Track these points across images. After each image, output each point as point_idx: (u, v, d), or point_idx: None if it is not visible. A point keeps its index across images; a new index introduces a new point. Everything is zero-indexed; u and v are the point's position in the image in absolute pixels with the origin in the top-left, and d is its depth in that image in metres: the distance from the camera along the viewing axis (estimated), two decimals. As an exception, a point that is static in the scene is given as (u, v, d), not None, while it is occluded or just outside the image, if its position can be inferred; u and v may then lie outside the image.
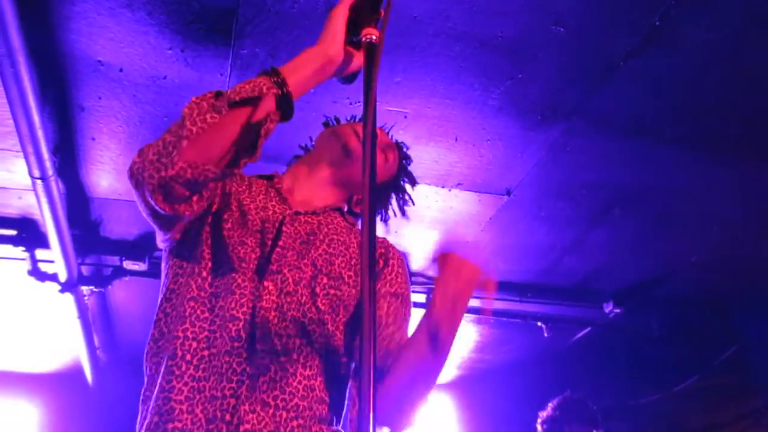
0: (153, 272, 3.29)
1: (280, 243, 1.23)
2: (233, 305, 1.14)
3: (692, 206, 3.09)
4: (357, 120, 1.53)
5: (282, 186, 1.37)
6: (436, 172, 2.81)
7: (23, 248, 3.04)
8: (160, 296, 1.24)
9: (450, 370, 4.90)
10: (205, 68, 2.22)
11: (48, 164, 2.41)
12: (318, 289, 1.22)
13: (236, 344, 1.11)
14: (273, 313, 1.16)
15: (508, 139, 2.64)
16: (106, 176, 2.76)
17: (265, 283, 1.18)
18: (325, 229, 1.31)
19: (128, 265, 3.24)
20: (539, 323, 4.00)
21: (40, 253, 3.08)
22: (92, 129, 2.48)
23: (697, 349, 4.33)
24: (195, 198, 1.11)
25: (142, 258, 3.23)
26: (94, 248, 3.20)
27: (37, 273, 3.14)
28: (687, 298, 4.00)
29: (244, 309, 1.14)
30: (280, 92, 1.09)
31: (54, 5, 1.96)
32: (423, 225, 3.17)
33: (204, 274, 1.19)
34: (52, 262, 3.02)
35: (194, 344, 1.11)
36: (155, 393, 1.12)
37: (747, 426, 4.35)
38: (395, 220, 1.55)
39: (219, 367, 1.10)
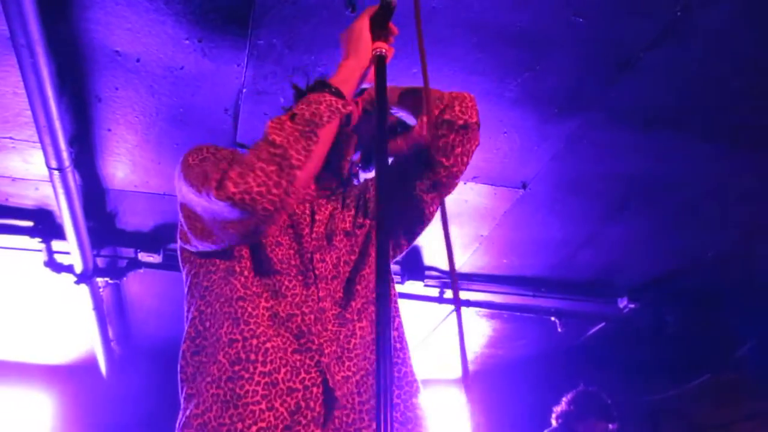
0: (167, 264, 3.31)
1: (314, 234, 1.27)
2: (288, 299, 1.17)
3: (711, 200, 3.06)
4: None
5: None
6: (451, 164, 2.79)
7: (40, 239, 3.06)
8: (192, 294, 1.24)
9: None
10: (222, 59, 2.22)
11: (65, 155, 2.41)
12: (355, 249, 1.29)
13: (302, 340, 1.14)
14: (326, 302, 1.19)
15: (525, 132, 2.62)
16: (122, 168, 2.77)
17: (310, 274, 1.21)
18: (348, 200, 1.37)
19: (143, 257, 3.25)
20: (553, 318, 3.98)
21: (56, 245, 3.10)
22: (109, 120, 2.49)
23: (712, 345, 4.29)
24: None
25: (156, 250, 3.24)
26: (110, 240, 3.21)
27: (53, 264, 3.16)
28: (703, 294, 3.96)
29: (297, 300, 1.17)
30: (350, 110, 1.20)
31: (72, -5, 1.96)
32: (437, 219, 3.15)
33: (246, 273, 1.19)
34: (68, 253, 3.04)
35: (254, 342, 1.12)
36: (227, 402, 1.09)
37: (761, 423, 4.31)
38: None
39: (290, 361, 1.12)
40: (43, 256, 3.12)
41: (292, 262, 1.22)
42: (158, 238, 3.25)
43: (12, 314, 3.91)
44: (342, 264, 1.26)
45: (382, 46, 1.19)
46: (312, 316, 1.17)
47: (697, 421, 4.72)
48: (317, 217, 1.29)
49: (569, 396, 3.30)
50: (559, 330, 4.00)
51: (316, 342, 1.14)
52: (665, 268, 3.70)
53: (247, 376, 1.09)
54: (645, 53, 2.23)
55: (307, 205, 1.31)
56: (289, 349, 1.13)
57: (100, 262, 3.29)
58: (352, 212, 1.34)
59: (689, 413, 4.76)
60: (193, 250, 1.26)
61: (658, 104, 2.48)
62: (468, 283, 3.68)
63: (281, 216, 1.10)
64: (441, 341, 4.32)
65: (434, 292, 3.66)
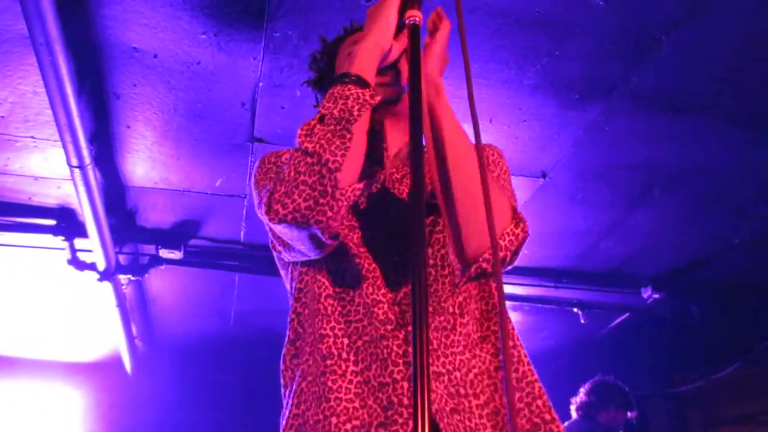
0: (188, 261, 3.33)
1: (392, 217, 1.21)
2: (371, 290, 1.12)
3: (736, 186, 2.99)
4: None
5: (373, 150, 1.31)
6: (470, 155, 2.76)
7: (63, 237, 3.09)
8: (291, 298, 1.23)
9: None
10: (238, 52, 2.21)
11: (85, 153, 2.43)
12: (436, 228, 1.19)
13: (388, 327, 1.08)
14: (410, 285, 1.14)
15: (545, 120, 2.58)
16: (142, 164, 2.79)
17: (393, 258, 1.16)
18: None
19: (164, 253, 3.27)
20: (575, 309, 3.94)
21: (78, 242, 3.13)
22: (127, 117, 2.50)
23: (738, 335, 4.22)
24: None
25: (177, 246, 3.26)
26: (131, 237, 3.24)
27: (76, 262, 3.19)
28: (728, 283, 3.89)
29: (383, 291, 1.12)
30: (378, 100, 1.11)
31: (89, -8, 1.97)
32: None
33: (331, 268, 1.17)
34: (90, 251, 3.07)
35: (346, 340, 1.10)
36: (320, 397, 1.07)
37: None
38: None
39: (379, 354, 1.07)
40: (66, 254, 3.16)
41: (373, 244, 1.18)
42: (179, 234, 3.27)
43: (38, 312, 3.97)
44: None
45: (416, 15, 1.06)
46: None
47: (723, 413, 4.65)
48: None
49: (587, 386, 3.29)
50: (582, 321, 3.96)
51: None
52: (690, 258, 3.63)
53: (339, 372, 1.07)
54: (668, 36, 2.18)
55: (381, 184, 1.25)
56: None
57: (122, 259, 3.32)
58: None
59: (715, 404, 4.68)
60: (288, 259, 1.23)
61: (683, 89, 2.42)
62: (489, 274, 3.65)
63: (337, 221, 1.05)
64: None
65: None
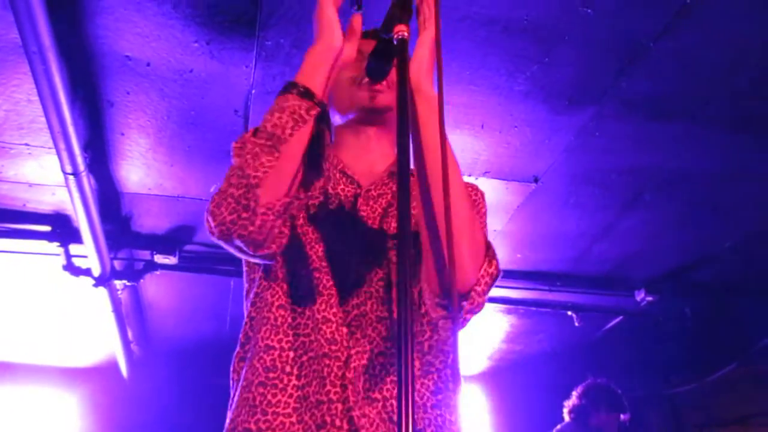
0: (183, 266, 3.34)
1: (360, 230, 1.18)
2: (323, 307, 1.11)
3: (727, 190, 3.01)
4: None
5: (343, 165, 1.28)
6: (462, 160, 2.78)
7: (58, 243, 3.10)
8: (246, 301, 1.22)
9: (480, 360, 4.87)
10: (231, 60, 2.23)
11: (79, 160, 2.45)
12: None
13: (333, 347, 1.08)
14: (365, 307, 1.11)
15: (536, 125, 2.60)
16: (136, 171, 2.80)
17: (351, 276, 1.14)
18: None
19: (159, 259, 3.29)
20: (570, 312, 3.96)
21: (74, 248, 3.14)
22: (121, 124, 2.52)
23: (733, 337, 4.24)
24: (284, 229, 1.08)
25: (172, 252, 3.27)
26: (126, 243, 3.25)
27: (71, 268, 3.20)
28: (721, 285, 3.91)
29: (334, 310, 1.11)
30: (319, 110, 1.07)
31: (82, 1, 1.98)
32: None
33: (288, 278, 1.15)
34: (85, 257, 3.08)
35: (291, 353, 1.08)
36: (255, 407, 1.07)
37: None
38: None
39: (320, 371, 1.06)
40: (61, 260, 3.17)
41: (334, 259, 1.16)
42: (173, 239, 3.28)
43: (34, 318, 3.98)
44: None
45: (403, 30, 1.04)
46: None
47: (719, 414, 4.67)
48: (360, 213, 1.20)
49: (579, 390, 3.30)
50: (577, 324, 3.98)
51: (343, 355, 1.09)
52: (683, 260, 3.66)
53: (281, 386, 1.07)
54: (655, 43, 2.21)
55: (351, 200, 1.22)
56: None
57: (118, 264, 3.33)
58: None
59: (711, 406, 4.70)
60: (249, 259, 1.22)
61: (671, 94, 2.45)
62: (483, 278, 3.66)
63: (263, 235, 1.03)
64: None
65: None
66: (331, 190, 1.23)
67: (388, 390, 1.07)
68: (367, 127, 1.30)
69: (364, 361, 1.08)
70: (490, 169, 2.86)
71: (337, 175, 1.27)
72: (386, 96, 1.26)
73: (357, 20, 1.18)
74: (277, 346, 1.09)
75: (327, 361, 1.07)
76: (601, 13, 2.09)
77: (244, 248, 1.05)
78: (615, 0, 2.05)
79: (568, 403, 3.31)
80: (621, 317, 4.12)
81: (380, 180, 1.26)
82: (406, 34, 1.05)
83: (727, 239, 3.44)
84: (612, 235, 3.40)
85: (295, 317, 1.12)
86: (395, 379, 1.07)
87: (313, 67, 1.10)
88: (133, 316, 4.00)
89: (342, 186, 1.25)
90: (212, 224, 1.03)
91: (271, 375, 1.07)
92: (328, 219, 1.19)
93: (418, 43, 1.16)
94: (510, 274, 3.70)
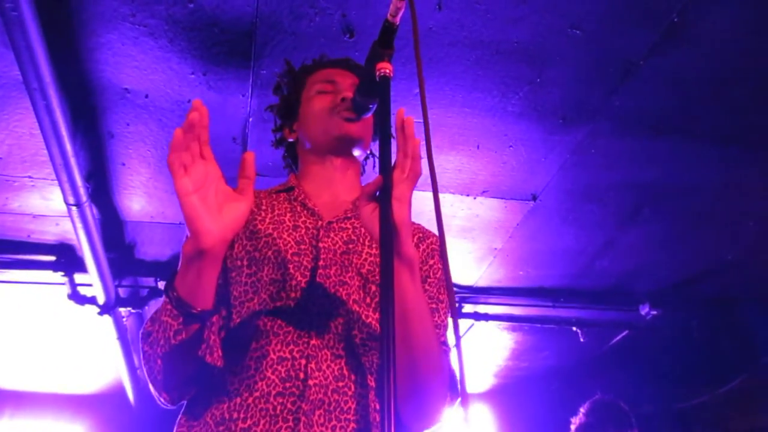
0: (187, 291, 3.36)
1: (321, 263, 1.15)
2: (279, 346, 1.08)
3: (724, 202, 3.02)
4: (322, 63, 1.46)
5: (305, 196, 1.27)
6: (460, 180, 2.81)
7: (62, 273, 3.14)
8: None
9: (486, 378, 4.85)
10: (227, 90, 2.27)
11: (82, 191, 2.49)
12: (368, 300, 1.15)
13: (288, 384, 1.05)
14: (324, 342, 1.09)
15: (531, 144, 2.63)
16: (138, 200, 2.84)
17: (313, 310, 1.11)
18: (363, 229, 1.22)
19: (163, 285, 3.31)
20: (574, 328, 3.95)
21: (78, 278, 3.17)
22: (122, 155, 2.56)
23: (741, 348, 4.20)
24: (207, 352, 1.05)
25: (175, 278, 3.29)
26: (130, 270, 3.28)
27: (76, 297, 3.23)
28: (726, 297, 3.90)
29: (291, 347, 1.08)
30: (186, 316, 1.00)
31: (80, 37, 2.03)
32: (450, 235, 3.17)
33: (244, 315, 1.14)
34: (90, 285, 3.11)
35: (238, 399, 1.06)
36: None
37: (797, 427, 4.20)
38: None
39: (271, 409, 1.04)
40: (66, 290, 3.20)
41: (295, 295, 1.16)
42: (176, 266, 3.31)
43: (41, 347, 4.00)
44: (351, 303, 1.19)
45: (387, 67, 1.07)
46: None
47: (730, 427, 4.61)
48: (321, 245, 1.19)
49: (586, 407, 3.26)
50: (581, 340, 3.96)
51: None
52: (685, 273, 3.65)
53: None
54: (645, 60, 2.23)
55: (313, 232, 1.22)
56: (273, 393, 1.06)
57: (122, 292, 3.36)
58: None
59: (722, 418, 4.65)
60: None
61: (664, 110, 2.47)
62: (486, 296, 3.68)
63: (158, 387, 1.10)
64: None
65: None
66: (290, 223, 1.22)
67: (345, 414, 1.06)
68: (335, 158, 1.31)
69: (320, 394, 1.05)
70: (488, 188, 2.88)
71: (298, 207, 1.26)
72: (360, 127, 1.28)
73: (249, 159, 1.05)
74: (230, 388, 1.09)
75: (280, 399, 1.04)
76: (590, 34, 2.13)
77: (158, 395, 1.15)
78: (603, 21, 2.08)
79: (575, 420, 3.28)
80: (626, 332, 4.11)
81: (343, 213, 1.25)
82: (388, 71, 1.08)
83: (728, 252, 3.44)
84: (613, 251, 3.40)
85: (251, 359, 1.09)
86: (350, 417, 1.06)
87: (184, 273, 1.01)
88: (138, 343, 4.01)
89: (303, 218, 1.24)
90: (145, 371, 1.11)
91: (220, 429, 1.07)
92: (287, 255, 1.16)
93: (396, 180, 1.04)
94: (513, 291, 3.71)
